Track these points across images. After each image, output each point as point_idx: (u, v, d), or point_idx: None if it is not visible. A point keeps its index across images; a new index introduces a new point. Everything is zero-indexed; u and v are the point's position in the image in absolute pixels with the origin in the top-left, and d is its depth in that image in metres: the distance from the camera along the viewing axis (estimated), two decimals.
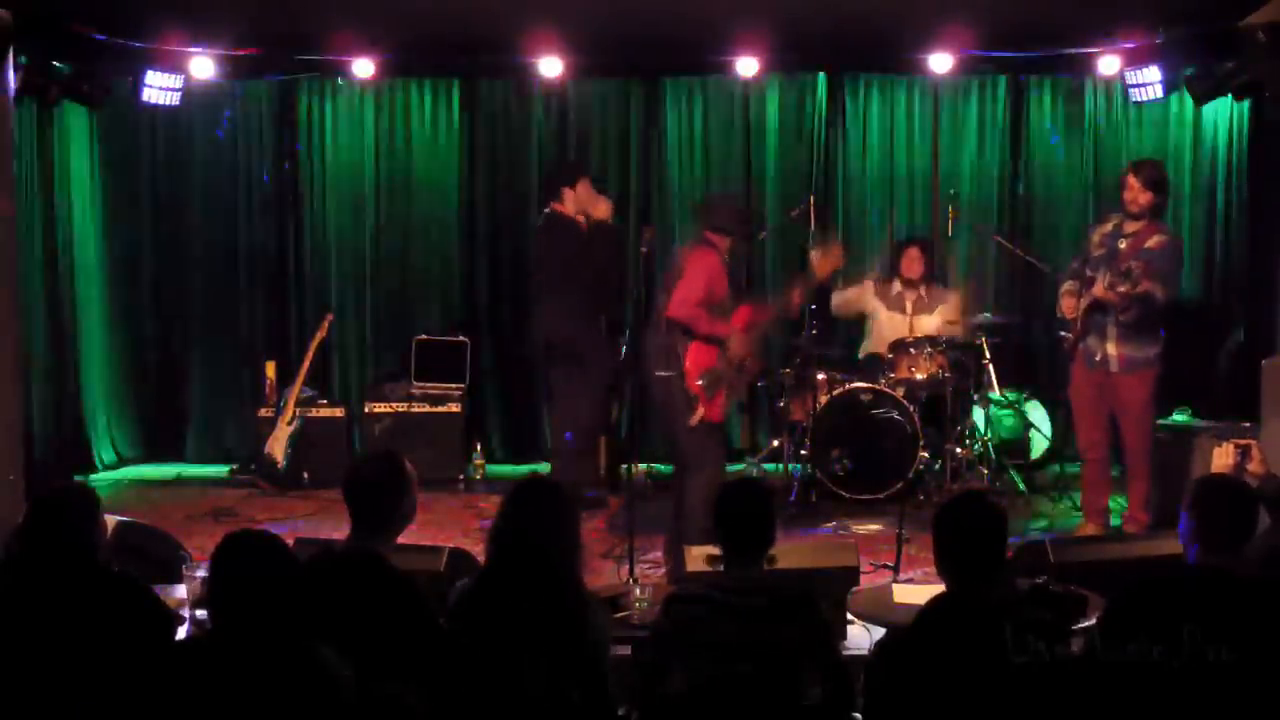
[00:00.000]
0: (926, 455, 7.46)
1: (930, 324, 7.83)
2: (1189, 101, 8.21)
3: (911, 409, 7.38)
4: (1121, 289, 6.16)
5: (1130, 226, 6.42)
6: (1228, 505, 3.38)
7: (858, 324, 8.24)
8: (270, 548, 3.06)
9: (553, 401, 7.66)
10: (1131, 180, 6.42)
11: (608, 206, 7.43)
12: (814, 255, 6.50)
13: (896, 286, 7.98)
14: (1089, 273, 6.52)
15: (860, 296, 8.06)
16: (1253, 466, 4.25)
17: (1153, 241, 6.35)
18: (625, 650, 3.87)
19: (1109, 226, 6.54)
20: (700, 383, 5.75)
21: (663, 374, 5.84)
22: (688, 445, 5.89)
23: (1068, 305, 6.59)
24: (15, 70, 6.95)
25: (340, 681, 2.97)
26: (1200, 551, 3.35)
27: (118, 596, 3.42)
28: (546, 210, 7.36)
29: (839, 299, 8.09)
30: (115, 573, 3.60)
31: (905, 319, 7.88)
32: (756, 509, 3.50)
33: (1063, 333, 6.69)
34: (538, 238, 7.55)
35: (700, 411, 5.76)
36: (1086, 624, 3.74)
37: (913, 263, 7.92)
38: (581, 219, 7.24)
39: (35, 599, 3.35)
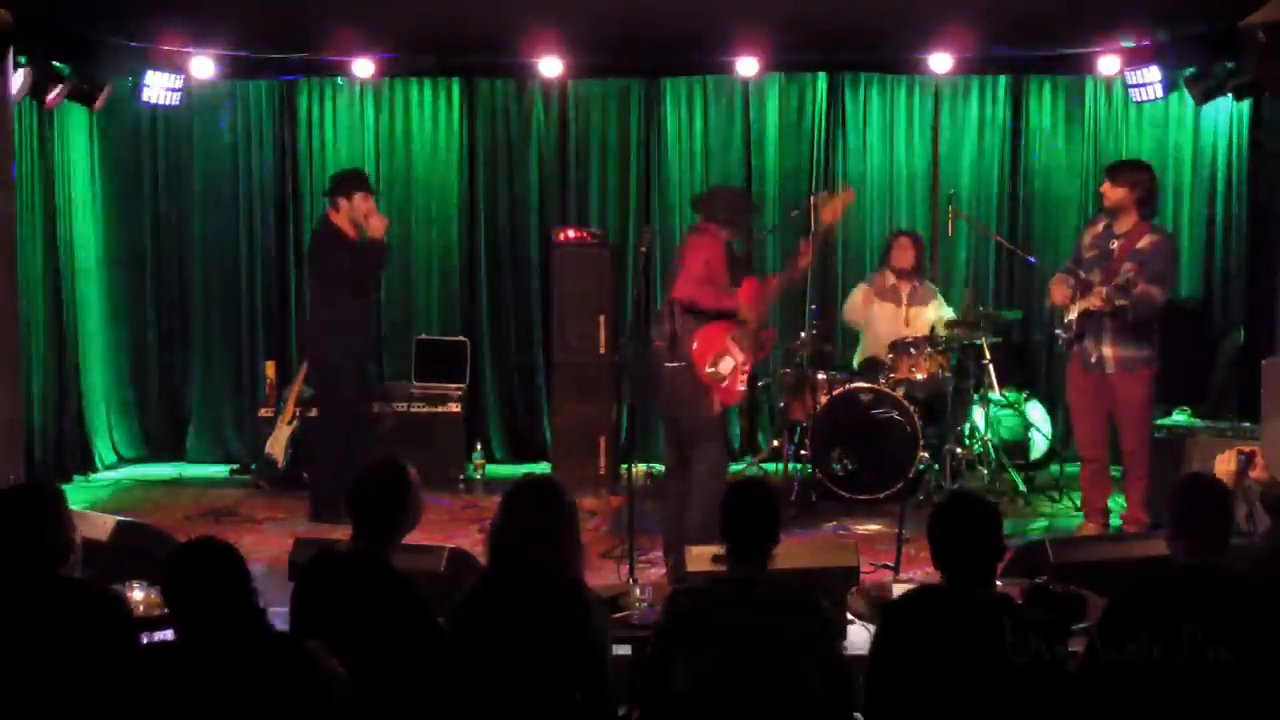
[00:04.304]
0: (926, 455, 7.46)
1: (927, 316, 7.87)
2: (1189, 101, 8.20)
3: (911, 409, 7.38)
4: (1120, 302, 6.19)
5: (1121, 227, 6.43)
6: (1204, 505, 3.38)
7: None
8: (215, 556, 3.05)
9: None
10: (1105, 180, 6.49)
11: (382, 224, 7.33)
12: (818, 200, 6.35)
13: (890, 279, 8.01)
14: (1082, 274, 6.52)
15: (862, 301, 8.09)
16: (1255, 473, 4.24)
17: (1144, 242, 6.36)
18: (625, 650, 3.87)
19: (1100, 227, 6.55)
20: (709, 370, 5.74)
21: (671, 365, 5.83)
22: (697, 434, 5.88)
23: (1058, 293, 6.58)
24: (15, 70, 6.95)
25: (333, 680, 2.97)
26: (1185, 551, 3.35)
27: (76, 605, 3.33)
28: (321, 218, 7.47)
29: (847, 307, 8.15)
30: (75, 580, 3.49)
31: (901, 310, 7.91)
32: (762, 509, 3.52)
33: (1058, 331, 6.69)
34: (310, 247, 7.69)
35: (718, 400, 5.77)
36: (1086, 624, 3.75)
37: (903, 251, 7.95)
38: (353, 232, 7.22)
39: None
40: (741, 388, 5.88)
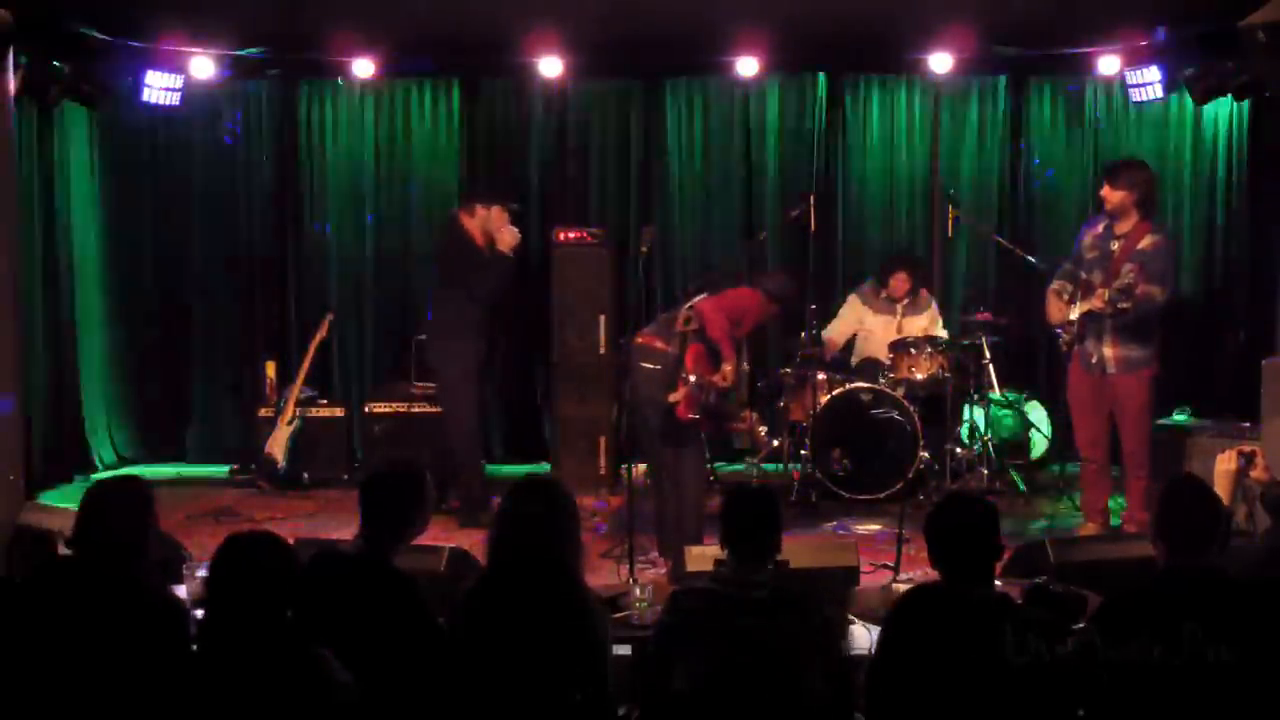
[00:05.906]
0: (926, 455, 7.46)
1: (918, 325, 7.92)
2: (1189, 101, 8.20)
3: (911, 409, 7.38)
4: (1123, 305, 6.17)
5: (1121, 228, 6.42)
6: (1189, 507, 3.37)
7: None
8: (273, 550, 3.06)
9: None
10: (1104, 182, 6.47)
11: (513, 238, 7.10)
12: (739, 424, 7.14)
13: (884, 295, 8.05)
14: (1082, 275, 6.52)
15: (849, 320, 8.13)
16: (1255, 473, 4.24)
17: (1145, 242, 6.35)
18: (625, 650, 3.87)
19: (1100, 228, 6.54)
20: (692, 378, 5.79)
21: (649, 366, 5.91)
22: (668, 437, 5.95)
23: (1054, 310, 6.59)
24: (15, 70, 6.95)
25: (337, 685, 2.97)
26: (1169, 553, 3.33)
27: (151, 615, 3.36)
28: (452, 217, 7.30)
29: (831, 333, 8.08)
30: (153, 590, 3.55)
31: (894, 320, 7.96)
32: (761, 512, 3.51)
33: (1058, 332, 6.68)
34: (435, 242, 7.50)
35: (680, 392, 5.81)
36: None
37: (901, 284, 8.03)
38: (482, 240, 7.10)
39: (75, 609, 3.31)
40: (690, 413, 5.88)
